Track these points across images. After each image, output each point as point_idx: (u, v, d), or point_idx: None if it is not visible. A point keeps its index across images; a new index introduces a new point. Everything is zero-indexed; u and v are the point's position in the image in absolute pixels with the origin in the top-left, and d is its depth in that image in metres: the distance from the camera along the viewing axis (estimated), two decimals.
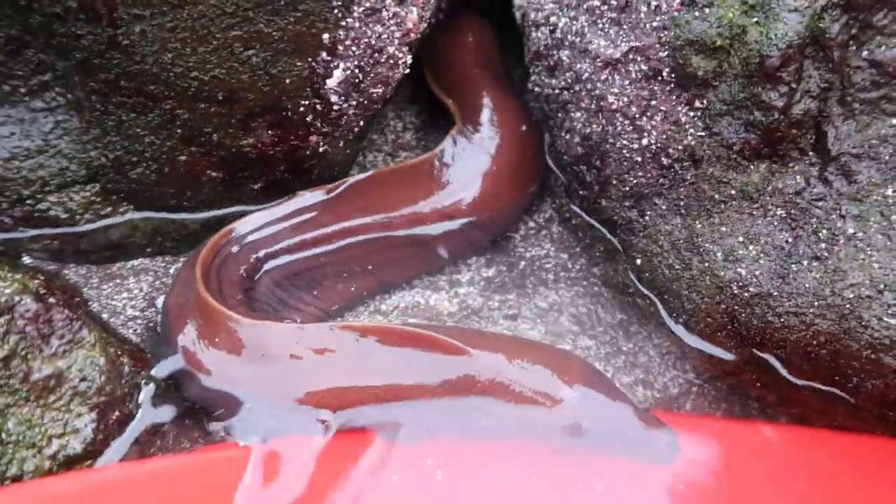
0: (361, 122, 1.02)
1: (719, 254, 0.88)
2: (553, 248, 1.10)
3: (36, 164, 0.96)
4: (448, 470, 0.80)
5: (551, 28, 0.99)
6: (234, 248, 0.96)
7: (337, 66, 0.94)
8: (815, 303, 0.81)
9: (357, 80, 0.97)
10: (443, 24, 1.10)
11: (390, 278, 1.04)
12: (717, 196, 0.89)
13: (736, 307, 0.86)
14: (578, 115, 0.99)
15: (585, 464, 0.81)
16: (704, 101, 0.87)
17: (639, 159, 0.93)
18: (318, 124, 0.98)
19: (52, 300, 0.80)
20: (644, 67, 0.90)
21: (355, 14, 0.92)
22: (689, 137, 0.89)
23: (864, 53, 0.79)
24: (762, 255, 0.85)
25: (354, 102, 0.99)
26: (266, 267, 0.98)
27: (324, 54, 0.93)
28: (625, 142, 0.94)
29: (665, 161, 0.91)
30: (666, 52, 0.89)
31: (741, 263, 0.86)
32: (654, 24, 0.87)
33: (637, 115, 0.92)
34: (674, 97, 0.89)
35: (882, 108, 0.80)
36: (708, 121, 0.87)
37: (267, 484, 0.78)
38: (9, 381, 0.75)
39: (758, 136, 0.84)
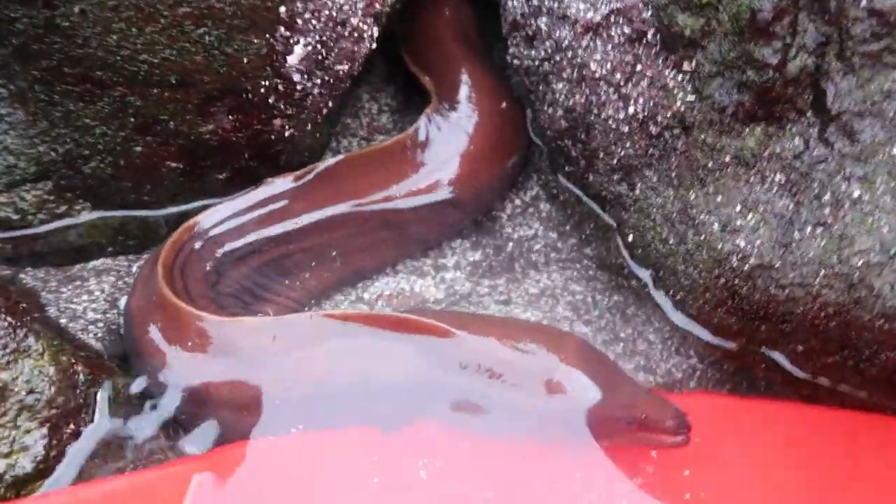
0: (329, 103, 0.97)
1: (716, 225, 0.84)
2: (541, 227, 1.06)
3: None
4: (434, 464, 0.76)
5: None
6: (198, 244, 0.91)
7: (297, 42, 0.90)
8: (822, 272, 0.77)
9: (320, 57, 0.92)
10: None
11: (366, 265, 1.00)
12: (710, 164, 0.85)
13: (736, 280, 0.82)
14: (560, 86, 0.95)
15: (586, 451, 0.77)
16: (693, 63, 0.83)
17: (626, 129, 0.89)
18: (282, 106, 0.93)
19: None
20: (627, 30, 0.86)
21: None
22: (679, 103, 0.85)
23: (864, 3, 0.75)
24: (762, 223, 0.81)
25: (319, 81, 0.94)
26: (233, 261, 0.93)
27: (282, 29, 0.88)
28: (610, 112, 0.90)
29: (654, 130, 0.87)
30: (650, 13, 0.85)
31: (740, 234, 0.82)
32: None
33: (622, 82, 0.88)
34: (660, 61, 0.85)
35: (884, 61, 0.76)
36: (697, 84, 0.83)
37: (223, 496, 0.74)
38: None
39: (752, 98, 0.80)
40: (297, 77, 0.92)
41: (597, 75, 0.89)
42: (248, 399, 0.80)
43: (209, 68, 0.88)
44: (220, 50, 0.87)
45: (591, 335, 0.95)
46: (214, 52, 0.87)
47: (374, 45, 0.96)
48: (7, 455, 0.71)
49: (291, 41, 0.90)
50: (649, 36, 0.85)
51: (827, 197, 0.77)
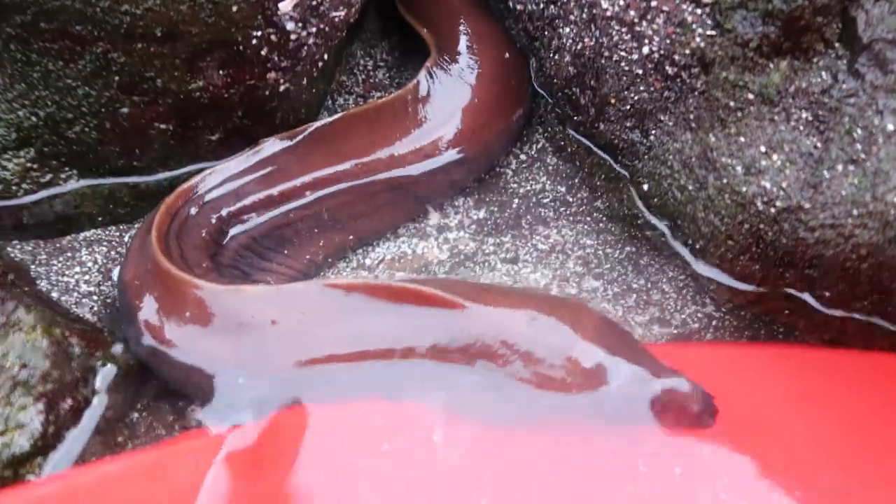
0: (325, 55, 0.93)
1: (739, 167, 0.80)
2: (549, 181, 1.02)
3: None
4: (446, 440, 0.73)
5: None
6: (193, 210, 0.87)
7: None
8: (854, 211, 0.74)
9: (314, 3, 0.87)
10: None
11: (369, 230, 0.97)
12: (732, 103, 0.81)
13: (761, 225, 0.79)
14: (567, 30, 0.91)
15: (605, 433, 0.73)
16: None
17: (639, 72, 0.85)
18: (276, 58, 0.88)
19: None
20: None
21: None
22: (698, 39, 0.81)
23: None
24: (788, 164, 0.78)
25: (314, 30, 0.89)
26: (231, 227, 0.89)
27: None
28: (622, 53, 0.85)
29: (670, 70, 0.83)
30: None
31: (765, 176, 0.78)
32: None
33: (636, 20, 0.83)
34: None
35: None
36: (718, 17, 0.79)
37: (238, 474, 0.71)
38: None
39: (777, 29, 0.76)
40: (290, 26, 0.87)
41: (608, 14, 0.85)
42: (250, 369, 0.77)
43: (196, 19, 0.83)
44: None
45: (603, 289, 0.92)
46: (201, 1, 0.82)
47: None
48: (2, 433, 0.67)
49: None
50: None
51: (858, 132, 0.74)
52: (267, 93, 0.91)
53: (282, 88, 0.91)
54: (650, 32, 0.83)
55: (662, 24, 0.82)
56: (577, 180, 1.02)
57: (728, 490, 0.71)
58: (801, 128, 0.78)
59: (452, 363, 0.74)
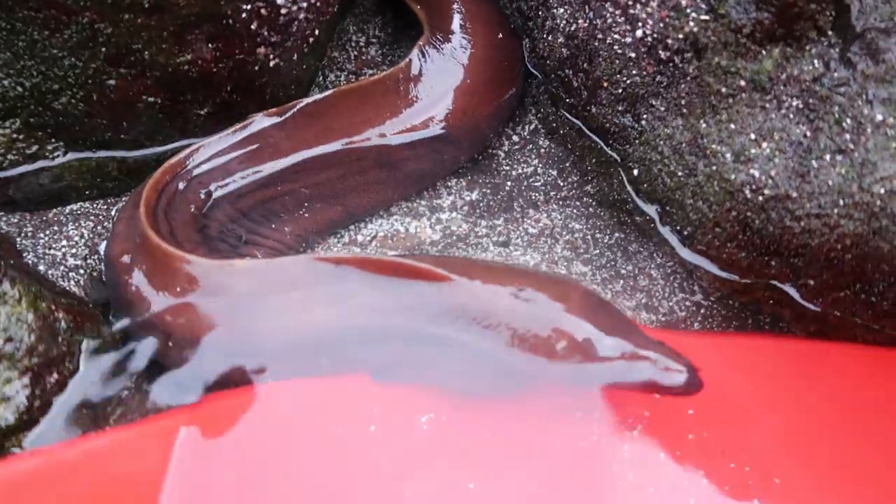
0: (317, 31, 0.92)
1: (728, 155, 0.80)
2: (541, 164, 1.02)
3: None
4: (436, 417, 0.73)
5: None
6: (181, 184, 0.87)
7: None
8: (841, 202, 0.74)
9: None
10: None
11: (359, 206, 0.96)
12: (723, 89, 0.80)
13: (749, 213, 0.79)
14: (561, 10, 0.91)
15: (591, 405, 0.74)
16: None
17: (632, 55, 0.85)
18: (266, 33, 0.87)
19: None
20: None
21: None
22: (691, 23, 0.80)
23: None
24: (777, 152, 0.78)
25: (305, 4, 0.88)
26: (219, 202, 0.89)
27: None
28: (616, 36, 0.85)
29: (663, 54, 0.83)
30: None
31: (754, 163, 0.78)
32: None
33: (630, 3, 0.83)
34: None
35: None
36: (713, 1, 0.79)
37: (220, 449, 0.71)
38: None
39: (771, 15, 0.76)
40: (280, 0, 0.86)
41: None
42: (239, 344, 0.77)
43: None
44: None
45: (591, 273, 0.92)
46: None
47: None
48: None
49: None
50: None
51: (848, 122, 0.74)
52: (257, 68, 0.90)
53: (272, 64, 0.90)
54: (644, 15, 0.82)
55: (656, 7, 0.82)
56: (568, 164, 1.01)
57: (712, 476, 0.73)
58: (792, 116, 0.78)
59: (440, 336, 0.74)
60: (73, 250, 0.92)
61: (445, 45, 0.98)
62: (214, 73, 0.88)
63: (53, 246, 0.91)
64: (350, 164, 0.93)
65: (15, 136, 0.89)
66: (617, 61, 0.86)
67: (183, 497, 0.69)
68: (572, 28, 0.89)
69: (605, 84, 0.88)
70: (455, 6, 1.00)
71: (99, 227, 0.93)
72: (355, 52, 1.09)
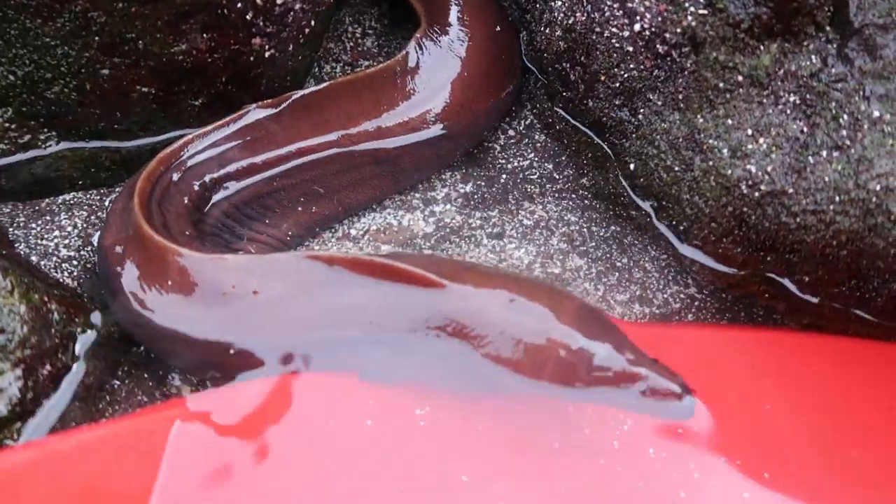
0: (312, 21, 0.91)
1: (725, 150, 0.80)
2: (536, 157, 1.02)
3: None
4: (431, 417, 0.73)
5: None
6: (175, 176, 0.86)
7: None
8: (837, 198, 0.74)
9: None
10: None
11: (354, 201, 0.96)
12: (721, 84, 0.80)
13: (745, 209, 0.79)
14: (559, 3, 0.90)
15: (580, 412, 0.74)
16: None
17: (630, 49, 0.84)
18: (261, 23, 0.87)
19: None
20: None
21: None
22: (689, 17, 0.80)
23: None
24: (774, 148, 0.77)
25: None
26: (213, 194, 0.88)
27: None
28: (613, 29, 0.85)
29: (661, 49, 0.83)
30: None
31: (750, 159, 0.78)
32: None
33: None
34: None
35: None
36: None
37: (213, 442, 0.71)
38: None
39: (770, 10, 0.76)
40: None
41: None
42: (231, 339, 0.77)
43: None
44: None
45: (587, 266, 0.92)
46: None
47: None
48: None
49: None
50: None
51: (845, 118, 0.74)
52: (252, 58, 0.89)
53: (267, 54, 0.90)
54: (642, 9, 0.82)
55: (655, 1, 0.81)
56: (563, 158, 1.01)
57: (701, 469, 0.73)
58: (789, 111, 0.78)
59: (429, 342, 0.74)
60: (66, 241, 0.91)
61: (443, 37, 0.97)
62: (209, 63, 0.88)
63: (46, 236, 0.91)
64: (345, 158, 0.92)
65: (7, 125, 0.88)
66: (614, 55, 0.86)
67: (175, 489, 0.69)
68: (570, 21, 0.88)
69: (603, 78, 0.88)
70: None
71: (92, 218, 0.93)
72: (351, 44, 1.09)
